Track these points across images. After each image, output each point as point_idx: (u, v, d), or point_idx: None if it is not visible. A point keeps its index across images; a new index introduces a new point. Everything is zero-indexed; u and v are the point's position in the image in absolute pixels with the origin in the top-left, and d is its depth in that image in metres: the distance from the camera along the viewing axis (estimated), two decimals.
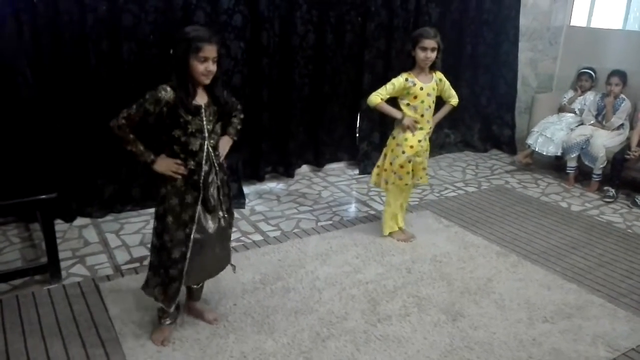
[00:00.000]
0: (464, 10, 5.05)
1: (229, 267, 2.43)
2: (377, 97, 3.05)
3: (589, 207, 4.11)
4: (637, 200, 4.12)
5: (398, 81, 3.03)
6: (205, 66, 2.03)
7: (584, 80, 4.80)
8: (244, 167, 4.17)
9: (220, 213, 2.24)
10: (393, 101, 3.12)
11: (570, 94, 4.90)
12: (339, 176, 4.65)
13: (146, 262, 2.94)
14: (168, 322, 2.33)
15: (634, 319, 2.63)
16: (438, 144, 5.33)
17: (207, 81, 2.08)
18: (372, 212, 3.86)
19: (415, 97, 3.05)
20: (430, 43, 2.94)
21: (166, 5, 3.47)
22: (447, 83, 3.16)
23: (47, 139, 3.32)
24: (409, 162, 3.14)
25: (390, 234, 3.37)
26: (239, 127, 2.39)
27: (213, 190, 2.19)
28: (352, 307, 2.64)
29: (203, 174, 2.14)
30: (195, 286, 2.41)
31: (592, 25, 5.64)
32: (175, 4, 3.47)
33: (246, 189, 4.08)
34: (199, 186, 2.14)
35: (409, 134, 3.09)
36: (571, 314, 2.66)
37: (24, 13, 3.09)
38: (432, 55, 2.97)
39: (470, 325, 2.54)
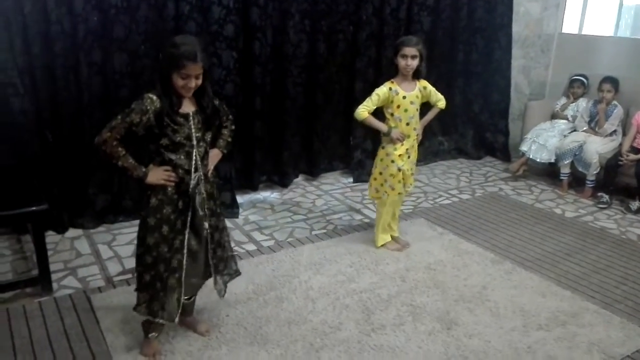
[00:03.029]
0: (455, 19, 5.07)
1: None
2: (364, 111, 3.05)
3: (583, 214, 4.11)
4: (630, 206, 4.12)
5: (382, 91, 3.04)
6: (186, 82, 2.00)
7: (576, 87, 4.82)
8: (238, 176, 4.16)
9: (205, 224, 2.20)
10: (379, 110, 3.12)
11: (563, 100, 4.92)
12: (333, 184, 4.64)
13: None
14: (155, 335, 2.30)
15: (628, 325, 2.63)
16: (432, 152, 5.34)
17: (188, 94, 2.06)
18: (366, 221, 3.84)
19: (399, 107, 3.05)
20: (410, 51, 2.95)
21: (157, 15, 3.47)
22: (432, 89, 3.16)
23: (38, 149, 3.30)
24: (399, 170, 3.13)
25: (384, 245, 3.35)
26: (229, 139, 2.35)
27: (200, 201, 2.16)
28: (346, 317, 2.63)
29: (192, 182, 2.12)
30: (186, 300, 2.38)
31: (584, 33, 5.67)
32: (167, 15, 3.47)
33: (240, 199, 4.06)
34: (188, 194, 2.12)
35: (397, 144, 3.10)
36: (566, 321, 2.65)
37: (14, 24, 3.09)
38: (413, 62, 2.97)
39: (465, 334, 2.52)
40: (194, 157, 2.12)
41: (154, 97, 2.01)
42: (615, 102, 4.48)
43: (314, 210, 4.05)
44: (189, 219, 2.14)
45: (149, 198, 2.11)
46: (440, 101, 3.22)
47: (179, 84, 2.01)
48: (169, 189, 2.10)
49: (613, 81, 4.47)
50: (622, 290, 2.96)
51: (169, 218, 2.12)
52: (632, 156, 4.13)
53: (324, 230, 3.66)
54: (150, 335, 2.29)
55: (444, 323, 2.60)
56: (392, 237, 3.38)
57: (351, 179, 4.73)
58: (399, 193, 3.21)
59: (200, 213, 2.16)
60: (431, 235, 3.59)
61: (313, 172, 4.68)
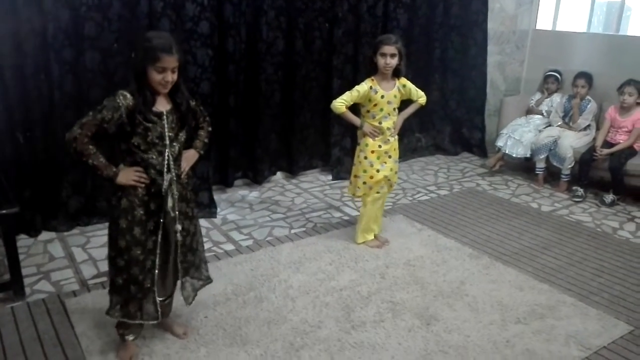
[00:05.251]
0: (431, 16, 5.09)
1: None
2: (341, 105, 3.05)
3: (559, 207, 4.16)
4: (604, 199, 4.19)
5: (362, 88, 3.03)
6: (163, 76, 1.97)
7: (550, 82, 4.89)
8: (213, 173, 4.11)
9: (177, 227, 2.14)
10: (355, 105, 3.13)
11: (538, 96, 4.98)
12: (312, 182, 4.62)
13: None
14: (131, 338, 2.26)
15: (605, 317, 2.66)
16: (410, 148, 5.36)
17: (164, 90, 2.03)
18: (346, 218, 3.84)
19: (375, 105, 3.06)
20: (389, 49, 2.94)
21: (130, 13, 3.41)
22: (412, 86, 3.16)
23: (8, 150, 3.21)
24: (378, 171, 3.14)
25: (364, 242, 3.35)
26: (205, 140, 2.31)
27: (172, 203, 2.11)
28: (326, 315, 2.61)
29: (164, 183, 2.07)
30: (162, 302, 2.33)
31: (557, 29, 5.74)
32: (140, 12, 3.41)
33: (218, 198, 4.02)
34: (160, 195, 2.08)
35: (369, 140, 3.11)
36: (543, 314, 2.68)
37: None
38: (392, 61, 2.96)
39: (444, 329, 2.53)
40: (166, 157, 2.07)
41: (127, 94, 1.97)
42: (589, 97, 4.55)
43: (293, 208, 4.02)
44: (161, 220, 2.10)
45: (119, 199, 2.07)
46: (421, 98, 3.21)
47: (155, 79, 1.97)
48: (139, 190, 2.06)
49: (587, 77, 4.54)
50: (597, 283, 3.00)
51: (141, 220, 2.07)
52: (606, 150, 4.21)
53: (304, 229, 3.64)
54: (126, 338, 2.25)
55: (424, 319, 2.61)
56: (374, 235, 3.38)
57: (330, 177, 4.72)
58: (377, 192, 3.22)
59: (172, 215, 2.11)
60: (410, 232, 3.59)
61: (292, 170, 4.65)
